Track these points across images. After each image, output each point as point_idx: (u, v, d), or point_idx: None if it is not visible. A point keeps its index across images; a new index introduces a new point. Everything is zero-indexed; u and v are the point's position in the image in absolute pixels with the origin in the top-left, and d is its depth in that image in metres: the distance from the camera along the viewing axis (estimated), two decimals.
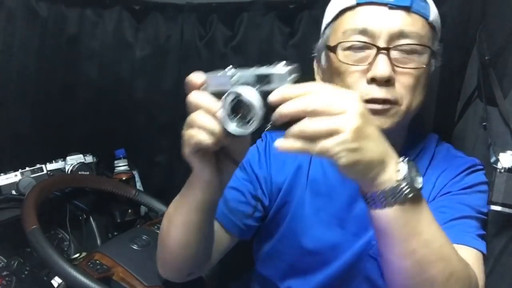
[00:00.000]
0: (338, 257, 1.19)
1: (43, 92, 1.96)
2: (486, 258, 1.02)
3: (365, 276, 1.17)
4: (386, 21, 1.03)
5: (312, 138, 0.71)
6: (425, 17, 1.06)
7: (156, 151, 2.10)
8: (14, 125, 1.91)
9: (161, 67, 1.99)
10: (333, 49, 1.09)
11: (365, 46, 1.04)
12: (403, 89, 1.04)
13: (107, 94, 2.04)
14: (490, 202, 1.02)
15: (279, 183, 1.25)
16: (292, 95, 0.72)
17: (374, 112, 1.03)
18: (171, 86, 2.01)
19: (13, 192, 1.71)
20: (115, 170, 2.01)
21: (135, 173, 2.07)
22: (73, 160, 1.88)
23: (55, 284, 1.43)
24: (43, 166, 1.82)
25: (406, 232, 0.79)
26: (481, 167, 1.16)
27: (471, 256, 0.96)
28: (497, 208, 1.01)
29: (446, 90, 1.57)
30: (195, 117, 0.80)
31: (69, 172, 1.86)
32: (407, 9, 1.03)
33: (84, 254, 1.67)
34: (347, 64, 1.06)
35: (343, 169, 0.73)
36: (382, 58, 1.02)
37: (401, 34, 1.03)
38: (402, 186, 0.76)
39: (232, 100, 0.75)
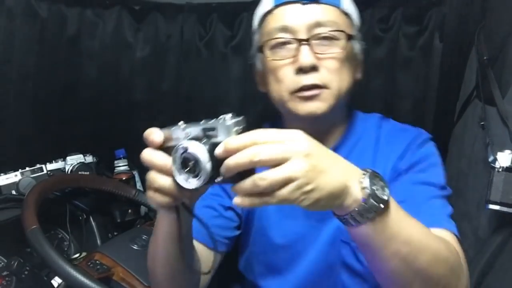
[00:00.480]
0: (309, 247, 1.22)
1: (43, 92, 1.96)
2: (481, 254, 1.03)
3: (342, 262, 1.19)
4: (302, 16, 1.13)
5: (267, 192, 0.72)
6: (337, 6, 1.16)
7: None
8: (14, 125, 1.91)
9: (161, 67, 2.00)
10: (261, 49, 1.19)
11: (287, 42, 1.14)
12: (330, 74, 1.12)
13: (107, 94, 2.04)
14: (488, 201, 1.02)
15: None
16: (236, 146, 0.71)
17: (307, 98, 1.12)
18: (171, 86, 2.01)
19: (13, 192, 1.71)
20: (115, 170, 2.01)
21: (135, 173, 2.07)
22: (73, 160, 1.88)
23: (55, 284, 1.43)
24: (43, 166, 1.82)
25: (384, 238, 0.82)
26: (427, 136, 1.21)
27: (446, 236, 0.99)
28: (495, 207, 1.02)
29: (445, 90, 1.57)
30: (151, 177, 0.82)
31: (69, 172, 1.86)
32: (316, 1, 1.14)
33: (84, 254, 1.67)
34: (275, 60, 1.15)
35: (307, 208, 0.74)
36: (305, 49, 1.11)
37: (317, 24, 1.12)
38: (369, 204, 0.78)
39: (181, 155, 0.76)
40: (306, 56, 1.10)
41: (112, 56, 1.99)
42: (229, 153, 0.71)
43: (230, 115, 0.75)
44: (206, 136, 0.76)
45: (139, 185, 2.07)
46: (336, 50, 1.13)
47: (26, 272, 1.36)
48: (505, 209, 1.01)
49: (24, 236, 1.32)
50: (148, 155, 0.82)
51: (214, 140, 0.75)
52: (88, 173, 1.88)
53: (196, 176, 0.74)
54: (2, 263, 1.45)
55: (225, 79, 1.92)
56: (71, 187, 1.78)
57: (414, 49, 1.72)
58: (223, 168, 0.72)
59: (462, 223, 1.28)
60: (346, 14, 1.18)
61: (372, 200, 0.77)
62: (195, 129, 0.78)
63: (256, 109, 1.87)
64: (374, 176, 0.80)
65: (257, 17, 1.24)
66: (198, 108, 1.99)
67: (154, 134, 0.83)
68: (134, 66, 2.01)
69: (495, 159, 1.04)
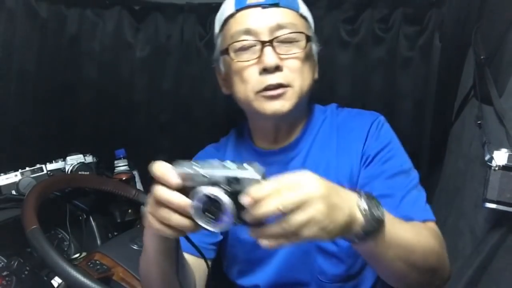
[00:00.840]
0: None
1: (43, 92, 1.96)
2: (477, 252, 1.05)
3: (316, 246, 1.23)
4: (263, 19, 1.19)
5: (292, 233, 0.79)
6: (295, 10, 1.23)
7: (156, 151, 2.10)
8: (14, 125, 1.92)
9: (161, 67, 2.00)
10: (225, 51, 1.23)
11: (251, 44, 1.19)
12: (292, 73, 1.18)
13: (107, 94, 2.04)
14: (485, 200, 1.03)
15: None
16: (262, 196, 0.77)
17: (272, 97, 1.17)
18: (171, 86, 2.01)
19: (13, 192, 1.71)
20: (115, 170, 2.02)
21: (135, 173, 2.07)
22: (73, 160, 1.89)
23: (55, 284, 1.43)
24: (43, 166, 1.82)
25: (384, 247, 0.92)
26: (383, 118, 1.29)
27: (426, 226, 1.10)
28: (492, 205, 1.02)
29: (443, 89, 1.57)
30: (165, 215, 0.85)
31: (69, 172, 1.87)
32: (276, 5, 1.20)
33: (84, 254, 1.68)
34: (240, 61, 1.20)
35: (324, 241, 0.87)
36: (268, 50, 1.16)
37: (278, 27, 1.18)
38: (369, 224, 0.87)
39: (205, 199, 0.80)
40: (270, 57, 1.15)
41: (112, 56, 2.00)
42: (256, 203, 0.77)
43: (250, 163, 0.81)
44: (228, 183, 0.80)
45: (139, 185, 2.08)
46: (297, 50, 1.18)
47: (26, 272, 1.36)
48: (501, 207, 1.02)
49: (24, 236, 1.32)
50: (165, 194, 0.84)
51: (236, 187, 0.80)
52: (88, 173, 1.88)
53: (216, 220, 0.80)
54: (2, 263, 1.45)
55: None
56: (71, 187, 1.78)
57: (414, 49, 1.72)
58: (249, 216, 0.79)
59: (459, 221, 1.28)
60: (303, 17, 1.25)
61: (372, 220, 0.86)
62: (215, 173, 0.81)
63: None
64: (368, 197, 0.89)
65: (218, 21, 1.30)
66: (198, 108, 2.00)
67: (171, 176, 0.84)
68: (134, 66, 2.01)
69: (491, 158, 1.04)
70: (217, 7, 1.87)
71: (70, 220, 1.72)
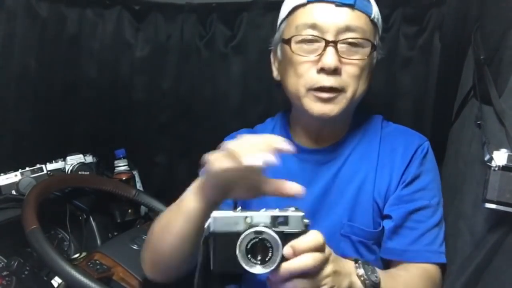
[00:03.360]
0: None
1: (43, 92, 1.96)
2: (477, 252, 1.06)
3: (341, 256, 1.20)
4: (333, 17, 1.15)
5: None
6: (368, 14, 1.19)
7: (156, 151, 2.10)
8: (14, 125, 1.92)
9: (161, 67, 2.00)
10: (287, 41, 1.20)
11: (315, 39, 1.16)
12: (349, 78, 1.16)
13: (107, 94, 2.04)
14: (485, 200, 1.03)
15: None
16: (303, 250, 0.81)
17: (323, 100, 1.16)
18: (171, 85, 2.01)
19: (13, 192, 1.71)
20: (115, 170, 2.01)
21: (135, 173, 2.07)
22: (73, 160, 1.89)
23: (55, 284, 1.43)
24: (43, 166, 1.82)
25: None
26: (428, 143, 1.30)
27: (434, 270, 1.16)
28: (492, 206, 1.02)
29: (443, 90, 1.57)
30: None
31: (69, 172, 1.87)
32: (351, 6, 1.16)
33: (84, 254, 1.68)
34: (299, 55, 1.17)
35: None
36: (330, 50, 1.13)
37: (347, 29, 1.15)
38: None
39: (252, 239, 0.78)
40: (330, 58, 1.12)
41: (112, 56, 2.00)
42: (295, 255, 0.81)
43: (293, 208, 0.83)
44: (273, 224, 0.80)
45: (139, 185, 2.08)
46: (360, 57, 1.16)
47: (26, 272, 1.36)
48: (501, 208, 1.01)
49: (24, 236, 1.32)
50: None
51: (284, 229, 0.81)
52: (88, 173, 1.88)
53: (262, 262, 0.79)
54: (2, 263, 1.45)
55: (225, 79, 1.92)
56: (71, 187, 1.78)
57: (414, 49, 1.72)
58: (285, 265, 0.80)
59: (458, 221, 1.28)
60: (374, 23, 1.22)
61: (369, 285, 0.94)
62: (260, 215, 0.81)
63: (257, 110, 1.88)
64: (365, 264, 0.96)
65: (286, 7, 1.25)
66: (198, 108, 1.99)
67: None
68: (134, 66, 2.01)
69: (491, 158, 1.04)
70: (217, 7, 1.89)
71: (70, 220, 1.72)
